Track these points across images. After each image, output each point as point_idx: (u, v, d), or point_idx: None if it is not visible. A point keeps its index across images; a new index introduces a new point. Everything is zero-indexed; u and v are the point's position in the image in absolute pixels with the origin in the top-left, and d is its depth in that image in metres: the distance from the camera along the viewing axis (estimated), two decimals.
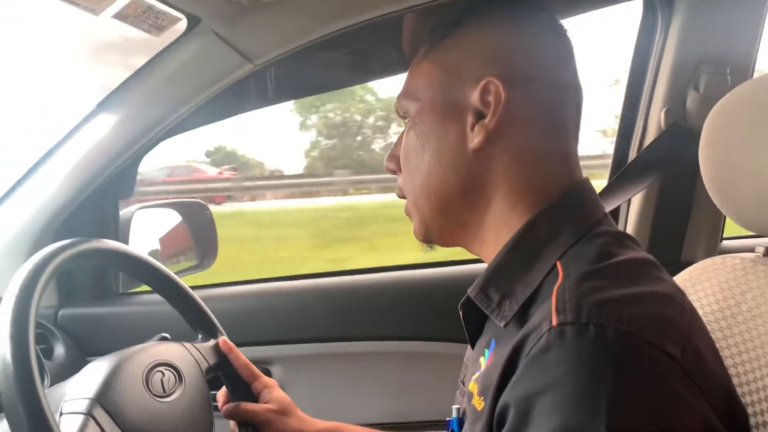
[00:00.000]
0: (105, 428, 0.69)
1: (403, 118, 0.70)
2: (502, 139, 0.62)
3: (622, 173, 1.22)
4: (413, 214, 0.69)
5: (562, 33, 0.66)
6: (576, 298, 0.51)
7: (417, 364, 1.31)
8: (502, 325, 0.59)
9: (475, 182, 0.64)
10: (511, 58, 0.63)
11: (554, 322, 0.50)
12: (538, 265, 0.59)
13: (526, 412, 0.48)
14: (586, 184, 0.65)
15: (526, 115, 0.62)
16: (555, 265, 0.58)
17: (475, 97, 0.62)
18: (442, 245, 0.71)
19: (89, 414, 0.70)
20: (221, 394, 0.93)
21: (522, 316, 0.58)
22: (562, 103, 0.65)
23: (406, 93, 0.69)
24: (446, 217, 0.67)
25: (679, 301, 0.56)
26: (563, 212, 0.61)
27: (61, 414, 0.70)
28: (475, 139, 0.62)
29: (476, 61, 0.63)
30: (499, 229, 0.64)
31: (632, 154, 1.32)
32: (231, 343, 0.92)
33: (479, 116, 0.62)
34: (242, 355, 0.92)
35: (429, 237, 0.69)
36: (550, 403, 0.47)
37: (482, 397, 0.56)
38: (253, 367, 0.93)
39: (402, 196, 0.71)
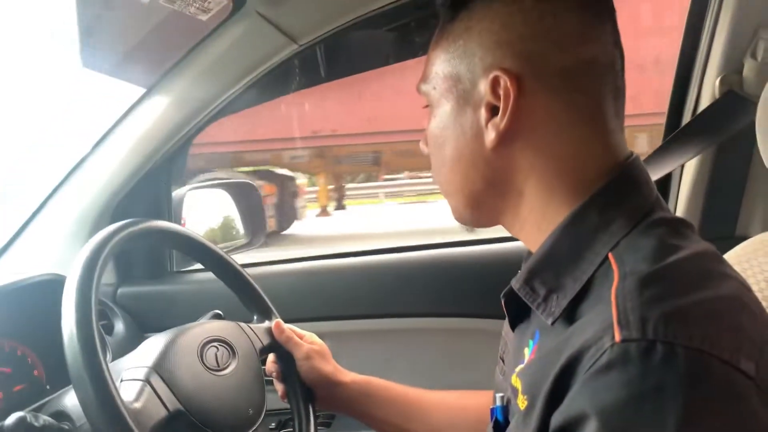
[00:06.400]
0: (161, 394, 0.73)
1: (426, 106, 0.66)
2: (520, 135, 0.57)
3: (674, 138, 1.18)
4: (447, 200, 0.66)
5: (585, 1, 0.57)
6: (640, 308, 0.46)
7: (458, 341, 1.32)
8: (549, 322, 0.55)
9: (500, 178, 0.60)
10: (519, 44, 0.56)
11: (617, 337, 0.45)
12: (589, 256, 0.54)
13: None
14: (634, 163, 0.58)
15: (548, 106, 0.56)
16: (607, 257, 0.53)
17: (486, 90, 0.57)
18: (481, 227, 0.67)
19: (147, 381, 0.73)
20: (270, 362, 0.95)
21: (571, 311, 0.54)
22: (593, 82, 0.57)
23: (424, 79, 0.64)
24: (479, 208, 0.64)
25: (748, 302, 0.51)
26: (612, 197, 0.56)
27: (121, 381, 0.74)
28: (489, 137, 0.58)
29: (485, 48, 0.57)
30: (537, 220, 0.60)
31: (686, 122, 1.28)
32: (284, 328, 0.93)
33: (494, 110, 0.57)
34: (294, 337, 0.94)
35: (466, 223, 0.67)
36: (612, 428, 0.44)
37: (526, 396, 0.53)
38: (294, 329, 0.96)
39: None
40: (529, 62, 0.56)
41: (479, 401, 0.92)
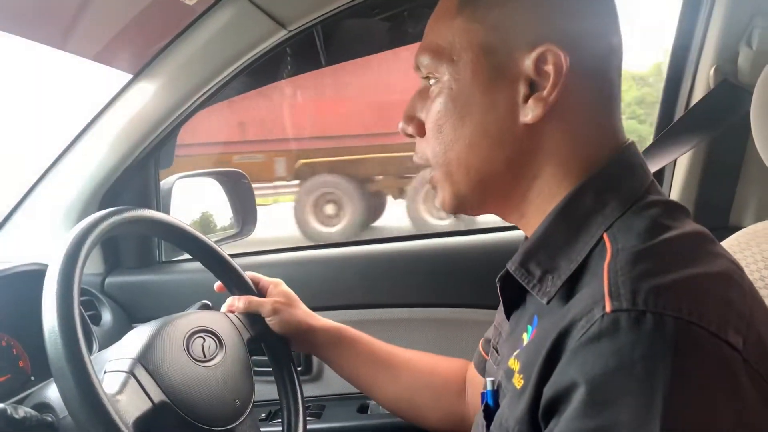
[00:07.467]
0: (145, 386, 0.72)
1: (426, 78, 0.62)
2: (557, 113, 0.56)
3: (668, 132, 1.18)
4: (443, 185, 0.63)
5: None
6: (631, 282, 0.47)
7: (450, 331, 1.31)
8: (544, 301, 0.56)
9: (523, 158, 0.59)
10: (564, 21, 0.57)
11: (608, 308, 0.46)
12: (584, 237, 0.55)
13: (576, 403, 0.45)
14: (631, 148, 0.60)
15: (581, 86, 0.57)
16: (602, 238, 0.54)
17: (528, 65, 0.56)
18: (474, 215, 0.65)
19: (131, 372, 0.72)
20: (227, 303, 0.93)
21: (567, 292, 0.54)
22: (610, 68, 0.59)
23: (435, 51, 0.60)
24: (485, 192, 0.62)
25: (738, 280, 0.51)
26: (609, 181, 0.57)
27: (104, 373, 0.73)
28: (530, 113, 0.56)
29: (527, 24, 0.57)
30: (544, 203, 0.59)
31: (679, 113, 1.27)
32: (236, 301, 0.92)
33: (531, 87, 0.57)
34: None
35: (462, 209, 0.64)
36: (601, 396, 0.44)
37: (522, 375, 0.54)
38: (255, 276, 0.96)
39: (424, 163, 0.64)
40: (568, 41, 0.56)
41: (451, 366, 0.93)
